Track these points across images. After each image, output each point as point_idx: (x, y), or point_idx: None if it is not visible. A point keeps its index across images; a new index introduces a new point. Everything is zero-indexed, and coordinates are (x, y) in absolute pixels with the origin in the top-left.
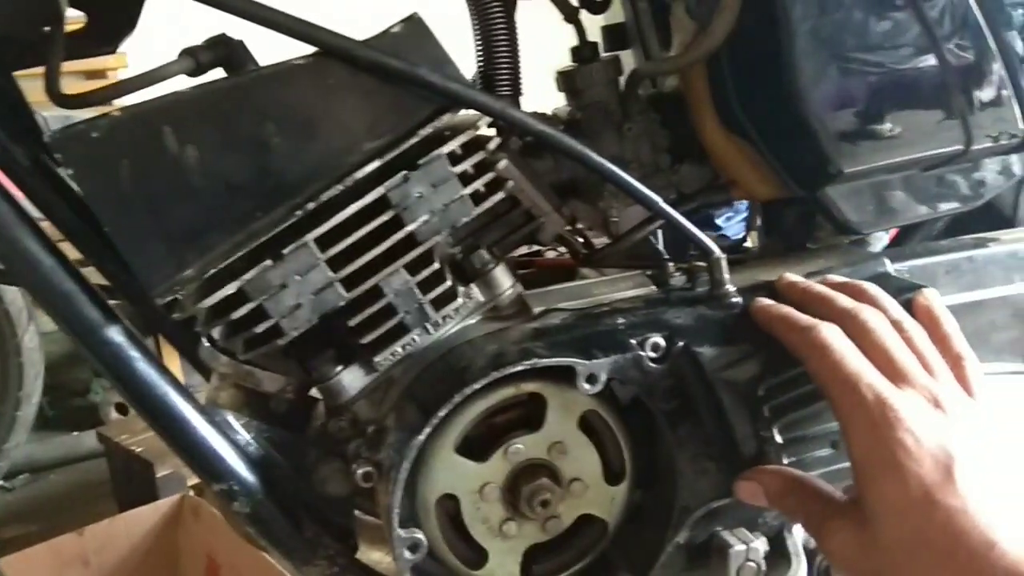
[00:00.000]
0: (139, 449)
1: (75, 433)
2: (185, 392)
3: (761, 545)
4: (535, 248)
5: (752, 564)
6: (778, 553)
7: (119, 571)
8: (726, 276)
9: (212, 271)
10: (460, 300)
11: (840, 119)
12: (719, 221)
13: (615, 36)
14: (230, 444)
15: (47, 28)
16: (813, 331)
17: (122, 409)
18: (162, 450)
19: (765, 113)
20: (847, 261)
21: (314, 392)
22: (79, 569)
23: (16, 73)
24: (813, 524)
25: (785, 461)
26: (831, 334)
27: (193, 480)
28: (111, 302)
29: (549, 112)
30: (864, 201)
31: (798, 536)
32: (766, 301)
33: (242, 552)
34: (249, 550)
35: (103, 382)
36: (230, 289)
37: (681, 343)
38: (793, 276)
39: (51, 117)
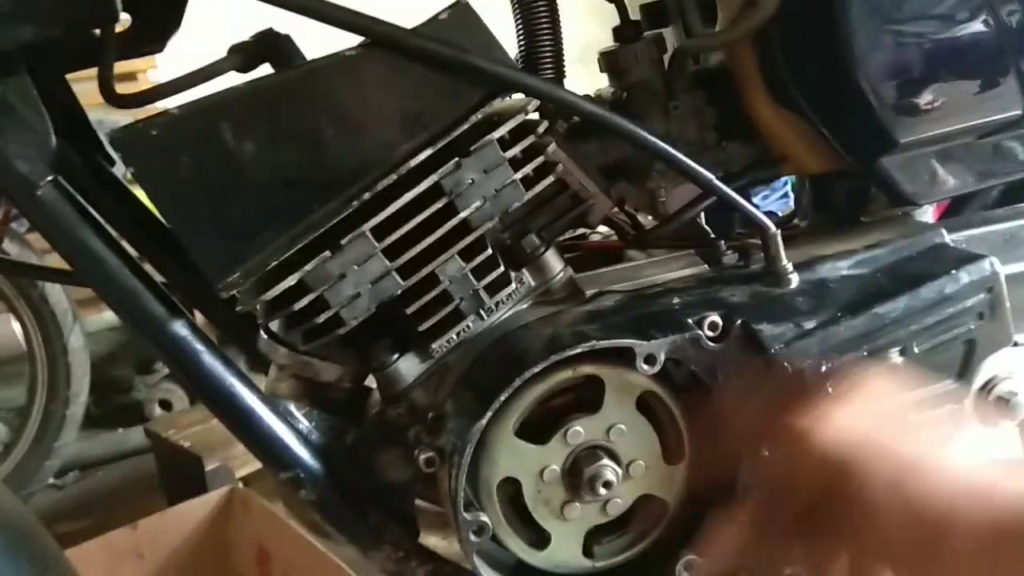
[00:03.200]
0: (187, 444)
1: (122, 430)
2: (250, 383)
3: None
4: (580, 231)
5: None
6: None
7: (172, 563)
8: (782, 252)
9: (272, 263)
10: (513, 285)
11: (895, 88)
12: (756, 200)
13: (655, 14)
14: (294, 433)
15: (98, 30)
16: None
17: (166, 405)
18: (210, 444)
19: (818, 85)
20: (903, 233)
21: (370, 381)
22: (133, 562)
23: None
24: None
25: None
26: None
27: (241, 472)
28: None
29: (592, 93)
30: (920, 171)
31: None
32: None
33: (293, 543)
34: (300, 540)
35: (146, 379)
36: (291, 281)
37: (739, 321)
38: None
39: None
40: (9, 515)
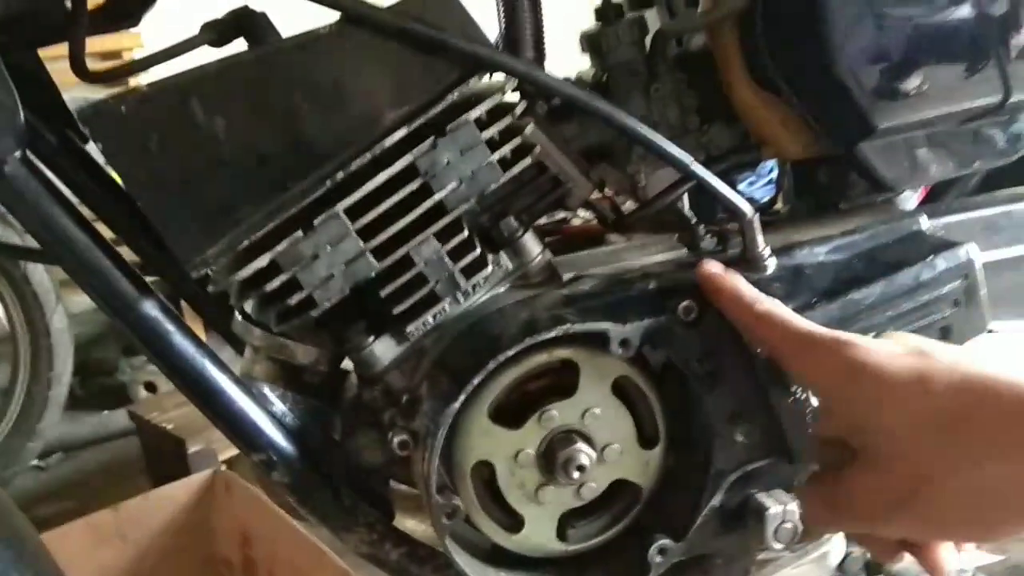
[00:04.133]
0: (170, 426)
1: (105, 412)
2: (222, 365)
3: (797, 507)
4: (561, 215)
5: (789, 525)
6: None
7: (154, 545)
8: (759, 237)
9: (244, 243)
10: (490, 268)
11: (876, 74)
12: (742, 186)
13: None
14: (268, 415)
15: (70, 4)
16: (757, 303)
17: (150, 387)
18: (193, 427)
19: (799, 69)
20: (881, 219)
21: (346, 363)
22: (115, 544)
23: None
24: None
25: None
26: (774, 305)
27: (225, 455)
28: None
29: (574, 75)
30: (900, 157)
31: None
32: (714, 266)
33: (276, 525)
34: (283, 523)
35: (131, 361)
36: (262, 261)
37: (714, 306)
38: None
39: (68, 98)
40: None
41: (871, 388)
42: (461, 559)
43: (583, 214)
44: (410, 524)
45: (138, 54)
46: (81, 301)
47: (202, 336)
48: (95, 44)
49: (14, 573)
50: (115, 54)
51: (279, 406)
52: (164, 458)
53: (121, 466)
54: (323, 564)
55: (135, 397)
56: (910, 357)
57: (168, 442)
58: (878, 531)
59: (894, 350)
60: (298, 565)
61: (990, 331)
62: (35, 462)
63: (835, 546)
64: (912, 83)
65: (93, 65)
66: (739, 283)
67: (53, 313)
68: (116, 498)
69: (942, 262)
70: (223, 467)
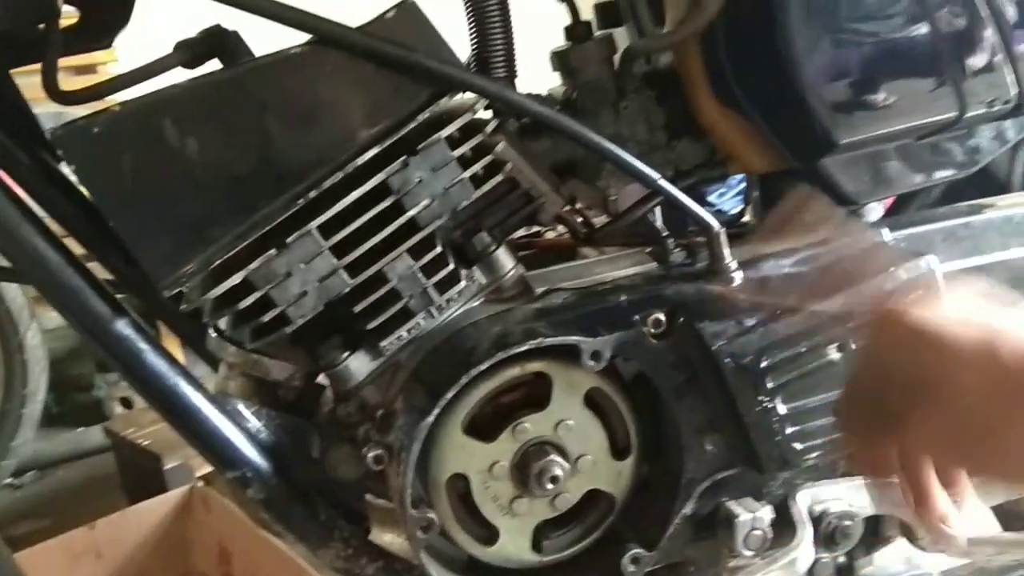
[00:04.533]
0: (146, 442)
1: (81, 429)
2: (195, 382)
3: (767, 514)
4: (534, 229)
5: (758, 533)
6: (783, 521)
7: (131, 563)
8: (726, 251)
9: (217, 262)
10: (463, 283)
11: (836, 90)
12: (711, 197)
13: (608, 14)
14: (242, 432)
15: (43, 25)
16: None
17: (127, 403)
18: (169, 443)
19: (761, 86)
20: (844, 232)
21: (321, 379)
22: (92, 562)
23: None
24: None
25: (789, 431)
26: None
27: (201, 471)
28: (117, 296)
29: (544, 93)
30: (861, 171)
31: (803, 503)
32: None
33: (254, 541)
34: (261, 539)
35: (107, 377)
36: (236, 279)
37: (683, 318)
38: None
39: (42, 115)
40: None
41: (940, 352)
42: (437, 572)
43: (556, 228)
44: (386, 538)
45: (113, 69)
46: (55, 317)
47: (179, 353)
48: (70, 58)
49: None
50: (90, 68)
51: (254, 422)
52: (140, 474)
53: (97, 483)
54: None
55: (110, 413)
56: (978, 328)
57: (144, 458)
58: (933, 464)
59: (961, 318)
60: None
61: None
62: (9, 480)
63: (804, 552)
64: (871, 99)
65: (67, 78)
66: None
67: (27, 330)
68: (92, 515)
69: (903, 273)
70: (200, 483)
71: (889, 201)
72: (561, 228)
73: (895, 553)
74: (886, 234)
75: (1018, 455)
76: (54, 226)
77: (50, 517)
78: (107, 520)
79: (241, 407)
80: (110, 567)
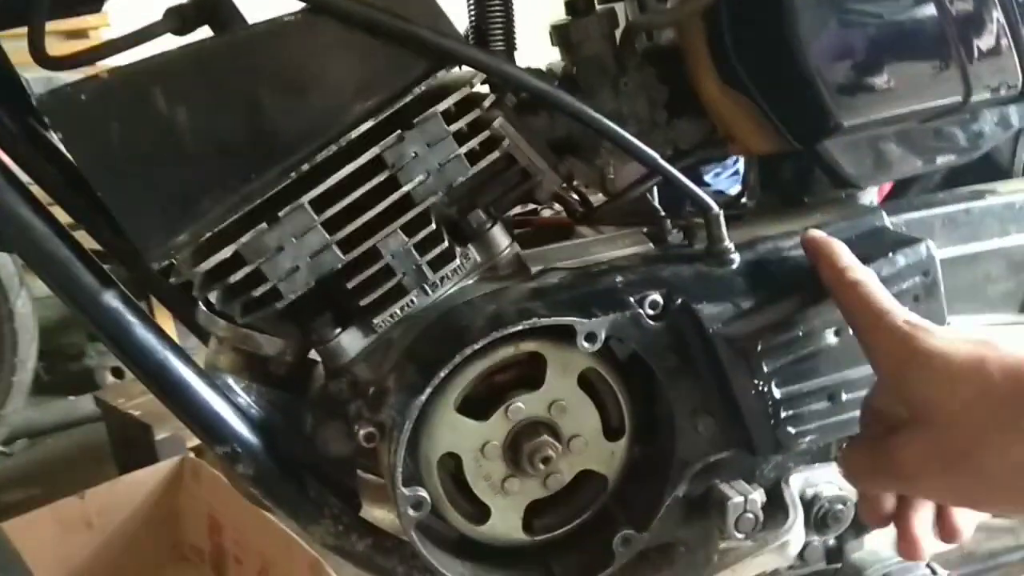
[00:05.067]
0: (137, 413)
1: (72, 397)
2: (184, 356)
3: (759, 497)
4: (531, 207)
5: (750, 515)
6: (775, 504)
7: (121, 533)
8: (724, 232)
9: (207, 235)
10: (458, 261)
11: (839, 72)
12: (707, 177)
13: None
14: (231, 407)
15: None
16: (849, 271)
17: (118, 373)
18: (160, 413)
19: (764, 66)
20: (844, 215)
21: (313, 354)
22: (82, 531)
23: None
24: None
25: (783, 415)
26: (865, 276)
27: (192, 442)
28: (105, 266)
29: (544, 67)
30: (862, 154)
31: (795, 487)
32: (819, 233)
33: (244, 511)
34: (251, 509)
35: (98, 346)
36: (226, 253)
37: (679, 300)
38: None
39: (33, 79)
40: None
41: (930, 370)
42: (427, 550)
43: (553, 206)
44: (377, 514)
45: (105, 33)
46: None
47: (170, 326)
48: (60, 23)
49: None
50: (80, 33)
51: (244, 398)
52: (131, 444)
53: (87, 452)
54: (292, 551)
55: (102, 382)
56: (972, 344)
57: (135, 429)
58: (913, 491)
59: (958, 336)
60: (267, 552)
61: (948, 324)
62: (0, 448)
63: (795, 535)
64: (875, 82)
65: (58, 42)
66: (838, 249)
67: (17, 298)
68: (82, 484)
69: (902, 258)
70: (191, 454)
71: (888, 185)
72: (558, 206)
73: (885, 537)
74: (885, 218)
75: (998, 479)
76: (40, 194)
77: (40, 485)
78: (97, 490)
79: (231, 382)
80: (100, 536)
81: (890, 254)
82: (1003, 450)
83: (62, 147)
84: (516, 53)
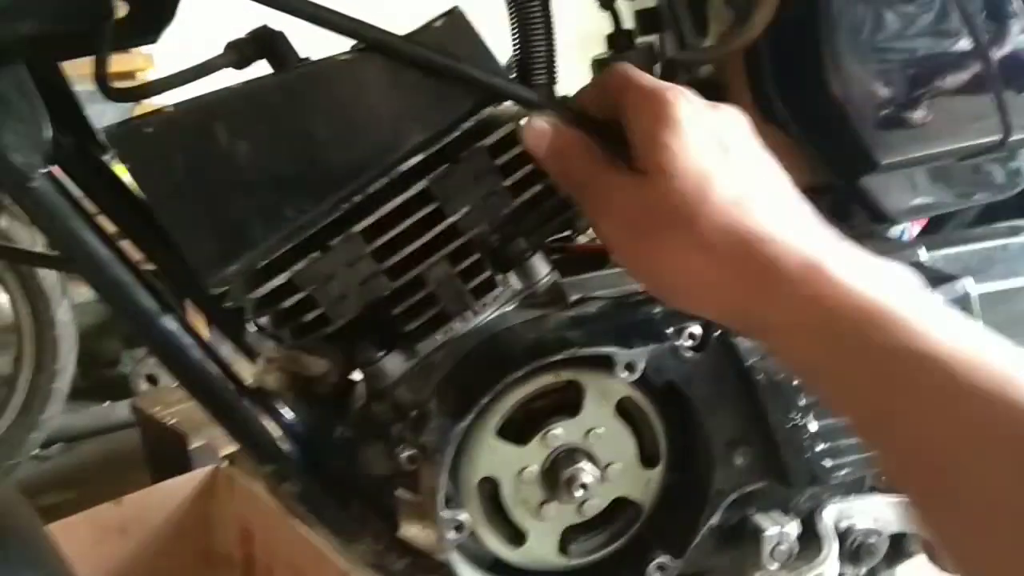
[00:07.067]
0: (172, 421)
1: (107, 403)
2: (236, 378)
3: (794, 528)
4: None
5: (785, 547)
6: (809, 535)
7: (155, 540)
8: None
9: (262, 263)
10: (499, 288)
11: (880, 110)
12: None
13: (649, 20)
14: (280, 427)
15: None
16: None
17: (152, 380)
18: (195, 422)
19: (804, 104)
20: (881, 250)
21: (355, 375)
22: (117, 537)
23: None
24: (588, 186)
25: (819, 448)
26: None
27: (225, 451)
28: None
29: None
30: (901, 190)
31: (829, 518)
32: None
33: (276, 523)
34: (282, 520)
35: (133, 353)
36: (280, 280)
37: (718, 332)
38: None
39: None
40: None
41: (665, 149)
42: (465, 572)
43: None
44: (414, 532)
45: (151, 74)
46: (85, 292)
47: (205, 333)
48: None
49: (27, 571)
50: (128, 74)
51: (290, 416)
52: (165, 452)
53: (122, 457)
54: (323, 563)
55: (136, 389)
56: (711, 157)
57: (170, 437)
58: (599, 233)
59: (704, 139)
60: (298, 564)
61: None
62: (37, 452)
63: (829, 567)
64: (915, 120)
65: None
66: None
67: (58, 306)
68: (117, 489)
69: (940, 295)
70: (224, 463)
71: (923, 220)
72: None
73: (918, 569)
74: (923, 254)
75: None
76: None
77: (75, 489)
78: (133, 497)
79: (279, 402)
80: (134, 543)
81: (928, 291)
82: (679, 251)
83: (118, 171)
84: (556, 85)
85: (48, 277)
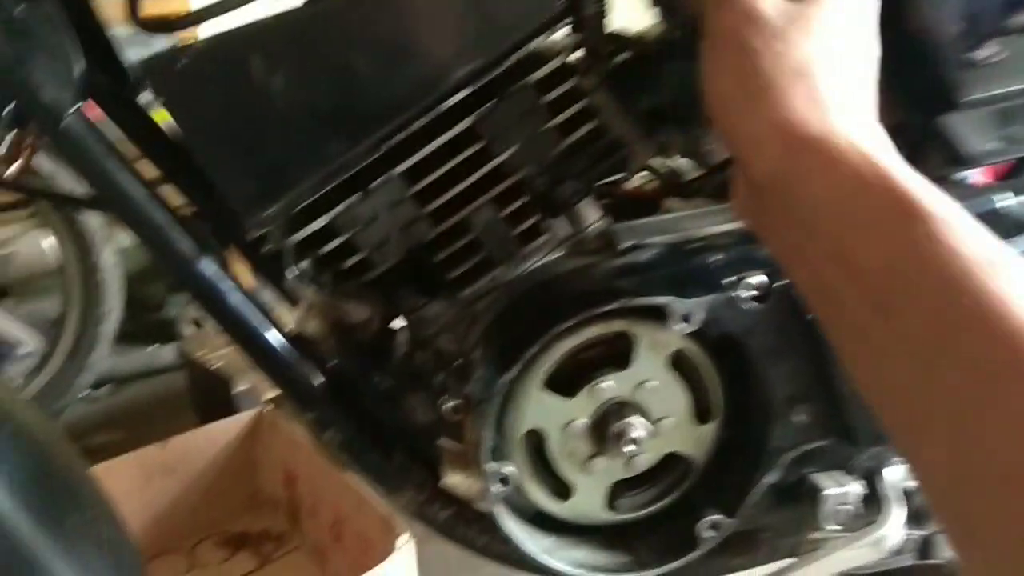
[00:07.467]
0: (217, 364)
1: (153, 346)
2: (275, 324)
3: (855, 488)
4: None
5: (846, 507)
6: (872, 496)
7: (200, 481)
8: None
9: (301, 204)
10: (546, 234)
11: (957, 44)
12: None
13: None
14: (320, 374)
15: None
16: None
17: (197, 323)
18: (240, 366)
19: (881, 39)
20: (956, 196)
21: (397, 323)
22: (163, 478)
23: None
24: None
25: None
26: None
27: (269, 395)
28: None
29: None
30: (983, 130)
31: (892, 479)
32: None
33: (318, 465)
34: (325, 464)
35: (178, 297)
36: (320, 223)
37: (781, 282)
38: None
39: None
40: (36, 439)
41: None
42: (509, 524)
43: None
44: (456, 480)
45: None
46: (129, 237)
47: (250, 280)
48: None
49: (73, 513)
50: (164, 19)
51: (331, 363)
52: (210, 395)
53: (167, 399)
54: (364, 506)
55: (182, 332)
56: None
57: (215, 380)
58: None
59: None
60: (340, 506)
61: None
62: (87, 392)
63: (894, 529)
64: (995, 56)
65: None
66: None
67: (103, 250)
68: (164, 430)
69: (1022, 243)
70: (268, 406)
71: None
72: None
73: None
74: (999, 200)
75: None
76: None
77: (123, 429)
78: (179, 439)
79: (320, 348)
80: (181, 483)
81: (1009, 239)
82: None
83: (153, 109)
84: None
85: (92, 221)
